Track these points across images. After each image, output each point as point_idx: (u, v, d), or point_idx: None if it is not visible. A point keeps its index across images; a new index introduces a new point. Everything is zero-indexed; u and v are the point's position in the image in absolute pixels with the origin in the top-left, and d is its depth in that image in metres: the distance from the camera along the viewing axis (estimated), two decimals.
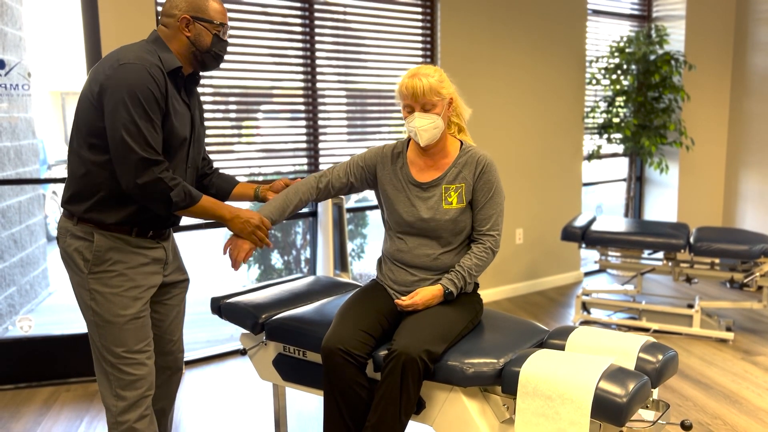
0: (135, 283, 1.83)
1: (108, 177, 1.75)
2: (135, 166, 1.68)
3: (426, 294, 1.98)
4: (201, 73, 1.98)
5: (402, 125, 4.06)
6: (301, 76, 3.64)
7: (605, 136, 4.92)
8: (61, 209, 1.84)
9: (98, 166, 1.74)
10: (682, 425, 1.68)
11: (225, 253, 1.95)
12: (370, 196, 6.12)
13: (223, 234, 6.86)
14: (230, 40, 3.36)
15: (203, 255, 6.99)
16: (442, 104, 1.99)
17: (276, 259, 5.80)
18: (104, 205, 1.77)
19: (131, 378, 1.83)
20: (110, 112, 1.67)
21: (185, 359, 3.44)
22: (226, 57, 3.36)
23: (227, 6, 3.33)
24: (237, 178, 2.31)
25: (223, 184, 2.15)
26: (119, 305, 1.80)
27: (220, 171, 2.18)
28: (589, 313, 4.03)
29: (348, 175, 2.14)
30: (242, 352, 2.35)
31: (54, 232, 6.81)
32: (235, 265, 1.93)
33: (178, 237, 6.99)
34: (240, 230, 1.92)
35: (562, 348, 1.96)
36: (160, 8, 3.15)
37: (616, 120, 4.86)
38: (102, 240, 1.78)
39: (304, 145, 3.70)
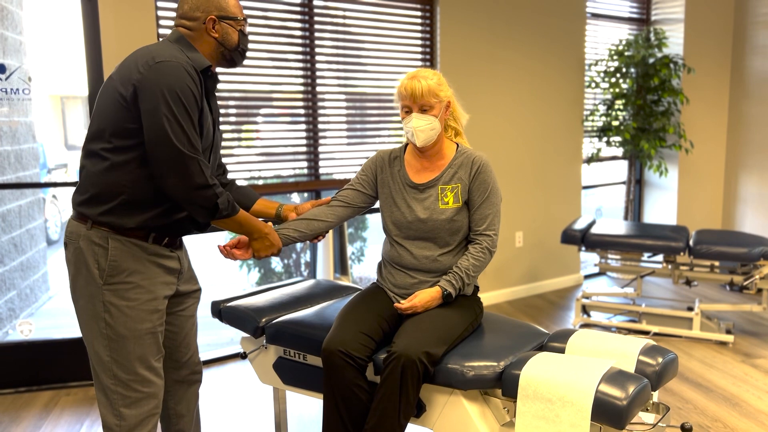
0: (153, 295, 1.75)
1: (132, 179, 1.67)
2: (187, 169, 1.60)
3: (425, 296, 1.99)
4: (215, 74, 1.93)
5: (402, 128, 4.07)
6: (301, 80, 3.65)
7: (604, 139, 4.93)
8: (73, 212, 1.75)
9: (121, 168, 1.66)
10: (683, 428, 1.68)
11: (226, 255, 1.94)
12: None
13: (225, 236, 6.86)
14: None
15: (203, 259, 6.98)
16: (440, 107, 2.02)
17: (276, 263, 5.80)
18: (125, 208, 1.68)
19: (138, 395, 1.74)
20: (149, 111, 1.59)
21: None
22: None
23: None
24: (254, 191, 2.20)
25: (243, 200, 2.07)
26: (136, 319, 1.71)
27: (237, 183, 2.10)
28: (589, 316, 4.03)
29: (355, 185, 2.17)
30: (242, 356, 2.35)
31: (54, 236, 6.81)
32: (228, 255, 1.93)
33: None
34: (259, 248, 1.90)
35: (562, 351, 1.96)
36: (160, 12, 3.16)
37: (615, 123, 4.87)
38: (117, 247, 1.69)
39: (304, 149, 3.71)
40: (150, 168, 1.66)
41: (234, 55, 1.83)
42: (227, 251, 1.91)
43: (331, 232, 3.65)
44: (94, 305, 1.70)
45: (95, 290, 1.69)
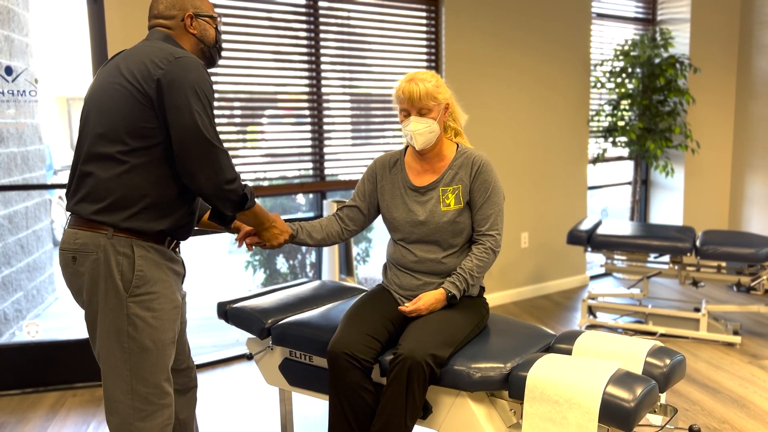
0: (175, 304, 1.70)
1: (154, 181, 1.62)
2: (219, 163, 1.59)
3: (429, 299, 1.98)
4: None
5: None
6: (306, 81, 3.65)
7: (610, 139, 4.91)
8: (80, 222, 1.64)
9: (142, 169, 1.61)
10: (691, 430, 1.67)
11: (240, 244, 2.02)
12: None
13: (228, 237, 6.86)
14: (235, 46, 3.38)
15: (209, 260, 7.00)
16: (438, 109, 2.01)
17: (282, 264, 5.80)
18: (149, 211, 1.63)
19: (153, 408, 1.68)
20: (179, 106, 1.56)
21: None
22: (230, 62, 3.37)
23: (232, 12, 3.35)
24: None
25: (203, 208, 2.04)
26: (161, 329, 1.66)
27: None
28: (595, 317, 4.02)
29: (356, 198, 2.19)
30: (248, 357, 2.35)
31: (60, 237, 6.82)
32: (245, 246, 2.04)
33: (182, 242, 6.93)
34: (269, 238, 1.95)
35: (569, 352, 1.95)
36: None
37: (621, 123, 4.86)
38: (143, 255, 1.63)
39: (309, 150, 3.71)
40: (176, 166, 1.62)
41: (213, 52, 1.85)
42: (246, 237, 2.01)
43: None
44: (116, 318, 1.62)
45: (117, 303, 1.61)
